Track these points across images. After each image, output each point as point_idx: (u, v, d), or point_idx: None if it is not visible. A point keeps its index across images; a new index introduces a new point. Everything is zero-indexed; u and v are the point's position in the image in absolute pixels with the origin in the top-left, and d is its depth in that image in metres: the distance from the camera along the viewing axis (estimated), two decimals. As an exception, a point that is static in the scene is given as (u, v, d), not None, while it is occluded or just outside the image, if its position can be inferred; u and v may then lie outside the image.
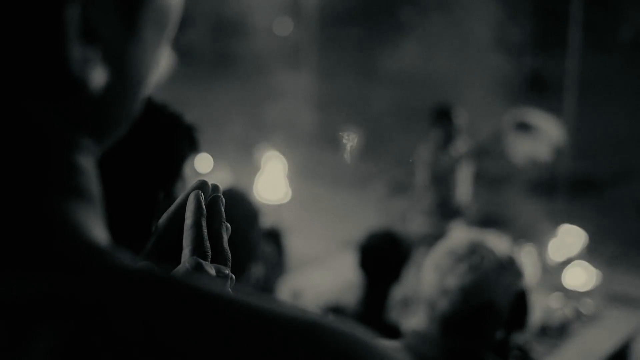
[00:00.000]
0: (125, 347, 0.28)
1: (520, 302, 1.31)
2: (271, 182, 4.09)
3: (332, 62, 9.44)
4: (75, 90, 0.32)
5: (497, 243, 1.30)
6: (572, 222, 4.36)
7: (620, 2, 8.44)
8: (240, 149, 6.77)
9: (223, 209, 0.53)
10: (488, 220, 5.14)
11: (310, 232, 5.12)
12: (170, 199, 0.99)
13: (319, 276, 3.81)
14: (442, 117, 4.34)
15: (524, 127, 4.09)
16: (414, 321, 1.33)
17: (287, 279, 3.42)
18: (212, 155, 4.38)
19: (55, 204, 0.32)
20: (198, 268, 0.47)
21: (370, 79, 10.26)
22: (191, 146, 1.02)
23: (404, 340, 1.33)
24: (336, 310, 2.41)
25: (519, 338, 2.42)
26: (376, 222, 4.43)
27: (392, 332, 2.14)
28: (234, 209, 0.56)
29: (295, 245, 3.88)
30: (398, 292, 2.60)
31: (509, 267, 1.28)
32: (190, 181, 1.03)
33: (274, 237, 3.04)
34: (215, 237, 0.51)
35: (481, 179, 6.27)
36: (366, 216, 5.17)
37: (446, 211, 4.36)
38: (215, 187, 0.54)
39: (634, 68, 9.78)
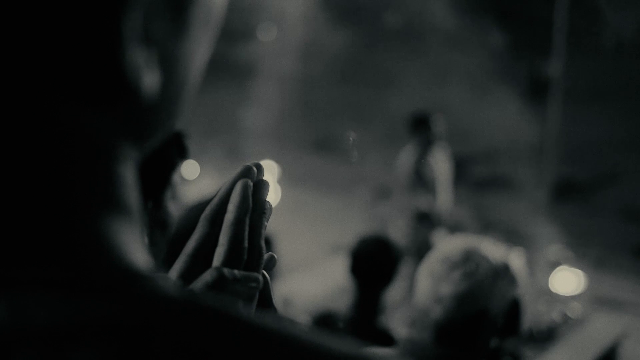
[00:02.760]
0: None
1: (513, 309, 1.29)
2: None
3: (319, 68, 9.45)
4: (127, 95, 0.31)
5: (492, 250, 1.28)
6: (556, 226, 4.38)
7: (604, 8, 8.54)
8: (227, 155, 6.74)
9: (266, 198, 0.49)
10: (474, 225, 5.15)
11: (297, 237, 5.10)
12: (159, 207, 0.97)
13: (309, 282, 3.79)
14: (421, 124, 4.34)
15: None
16: (408, 329, 1.32)
17: (277, 284, 3.40)
18: (198, 162, 4.35)
19: (93, 220, 0.30)
20: (219, 281, 0.45)
21: (356, 85, 10.28)
22: (180, 153, 1.00)
23: (397, 348, 1.32)
24: (327, 315, 2.39)
25: (510, 344, 2.42)
26: (362, 227, 4.42)
27: (384, 337, 2.13)
28: None
29: (283, 250, 3.86)
30: (389, 297, 2.60)
31: (503, 275, 1.26)
32: (178, 189, 1.01)
33: (265, 242, 3.02)
34: (252, 232, 0.48)
35: (466, 183, 6.29)
36: (352, 222, 5.17)
37: (427, 217, 4.36)
38: (259, 168, 0.49)
39: (618, 72, 9.90)
